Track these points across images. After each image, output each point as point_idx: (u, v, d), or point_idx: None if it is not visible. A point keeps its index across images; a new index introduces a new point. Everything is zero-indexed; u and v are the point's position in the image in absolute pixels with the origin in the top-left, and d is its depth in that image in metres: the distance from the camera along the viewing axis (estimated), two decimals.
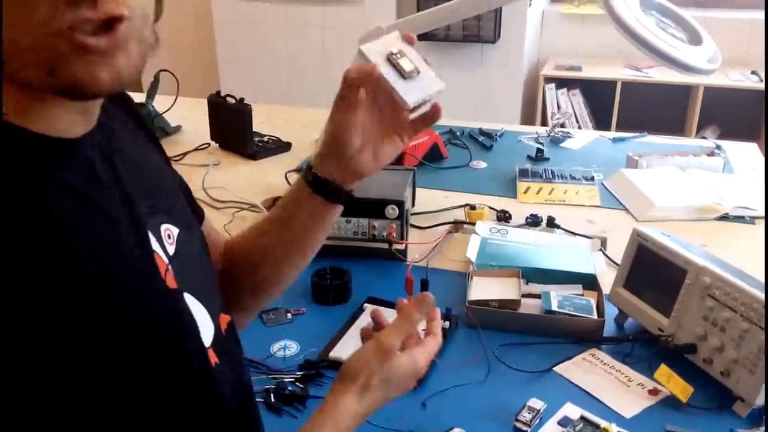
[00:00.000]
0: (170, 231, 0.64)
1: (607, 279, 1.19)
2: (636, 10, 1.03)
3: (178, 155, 1.88)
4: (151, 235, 0.59)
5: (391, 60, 0.71)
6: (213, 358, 0.62)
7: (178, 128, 2.07)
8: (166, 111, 2.01)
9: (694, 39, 1.12)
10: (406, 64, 0.72)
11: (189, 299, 0.62)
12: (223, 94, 1.91)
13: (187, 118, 2.09)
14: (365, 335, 0.77)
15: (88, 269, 0.49)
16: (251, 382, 0.75)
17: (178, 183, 0.78)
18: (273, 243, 0.81)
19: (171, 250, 0.62)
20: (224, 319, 0.69)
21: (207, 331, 0.63)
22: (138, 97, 2.02)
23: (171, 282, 0.59)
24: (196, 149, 1.94)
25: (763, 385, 0.91)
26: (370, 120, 0.74)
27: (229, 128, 1.92)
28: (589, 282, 1.21)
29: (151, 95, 1.99)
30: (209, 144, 1.96)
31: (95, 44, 0.47)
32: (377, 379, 0.70)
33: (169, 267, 0.60)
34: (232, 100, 1.88)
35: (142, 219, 0.59)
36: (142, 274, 0.56)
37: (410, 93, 0.70)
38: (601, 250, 1.38)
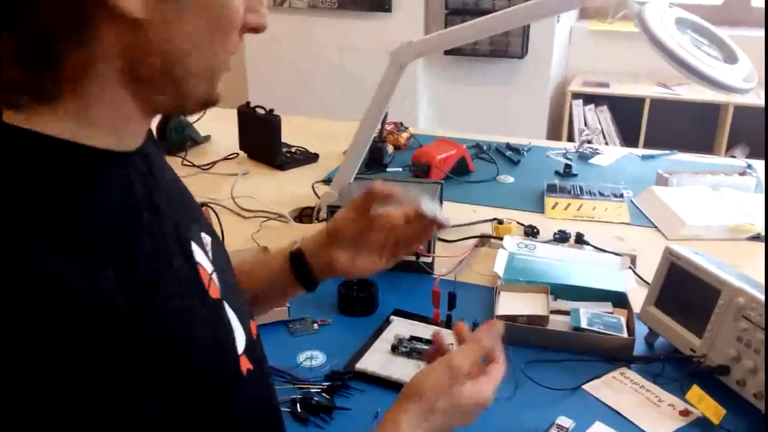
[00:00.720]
0: (206, 239, 0.64)
1: (637, 297, 1.18)
2: (671, 28, 1.03)
3: (207, 164, 1.91)
4: (194, 245, 0.60)
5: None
6: (246, 365, 0.62)
7: (207, 138, 2.10)
8: (196, 121, 2.04)
9: (730, 58, 1.11)
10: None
11: (227, 309, 0.62)
12: (252, 105, 1.93)
13: (216, 128, 2.11)
14: (429, 358, 0.73)
15: (136, 282, 0.49)
16: (275, 390, 0.75)
17: None
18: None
19: (210, 257, 0.63)
20: (253, 324, 0.70)
21: (240, 338, 0.63)
22: None
23: (214, 292, 0.60)
24: (225, 159, 1.96)
25: None
26: (364, 230, 0.81)
27: (258, 139, 1.94)
28: (619, 300, 1.19)
29: None
30: (238, 154, 1.98)
31: None
32: (444, 403, 0.66)
33: (213, 276, 0.60)
34: (262, 111, 1.90)
35: (183, 230, 0.59)
36: (187, 286, 0.56)
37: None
38: (630, 267, 1.37)
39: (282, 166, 1.90)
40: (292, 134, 2.03)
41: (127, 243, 0.51)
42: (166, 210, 0.57)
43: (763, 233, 1.50)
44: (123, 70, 0.50)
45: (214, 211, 1.37)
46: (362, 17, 3.45)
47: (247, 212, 1.62)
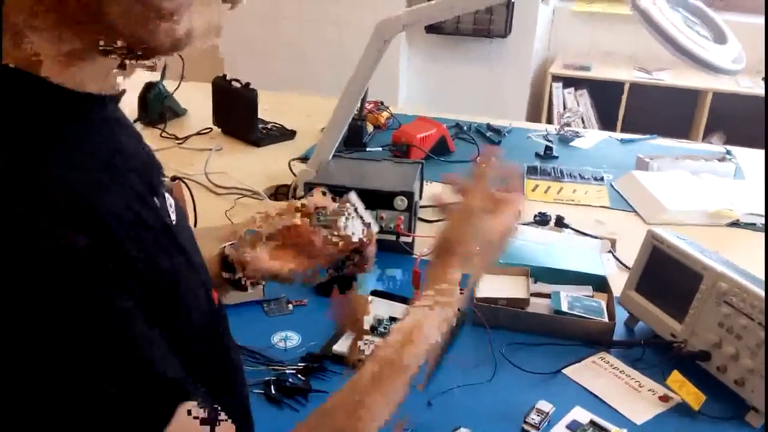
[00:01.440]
0: (170, 201, 0.64)
1: (617, 281, 1.17)
2: (663, 5, 1.00)
3: (180, 139, 1.85)
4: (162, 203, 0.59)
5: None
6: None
7: (184, 111, 2.04)
8: (175, 90, 1.98)
9: (719, 38, 1.09)
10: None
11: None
12: (228, 78, 1.88)
13: (191, 101, 2.05)
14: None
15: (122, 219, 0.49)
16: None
17: None
18: None
19: (174, 218, 0.62)
20: (215, 294, 0.68)
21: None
22: (148, 77, 1.98)
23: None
24: (198, 133, 1.90)
25: None
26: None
27: (233, 113, 1.89)
28: (600, 284, 1.18)
29: (163, 74, 1.95)
30: (212, 129, 1.93)
31: None
32: (476, 245, 0.71)
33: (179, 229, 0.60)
34: (238, 85, 1.85)
35: (156, 186, 0.59)
36: (161, 234, 0.55)
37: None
38: (610, 251, 1.36)
39: (257, 143, 1.85)
40: (269, 110, 1.98)
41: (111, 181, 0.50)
42: (136, 159, 0.57)
43: (743, 220, 1.50)
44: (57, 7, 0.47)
45: (188, 186, 1.33)
46: None
47: (221, 189, 1.57)
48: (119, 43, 0.49)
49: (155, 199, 0.57)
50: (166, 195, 0.62)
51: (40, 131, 0.47)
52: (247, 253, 0.82)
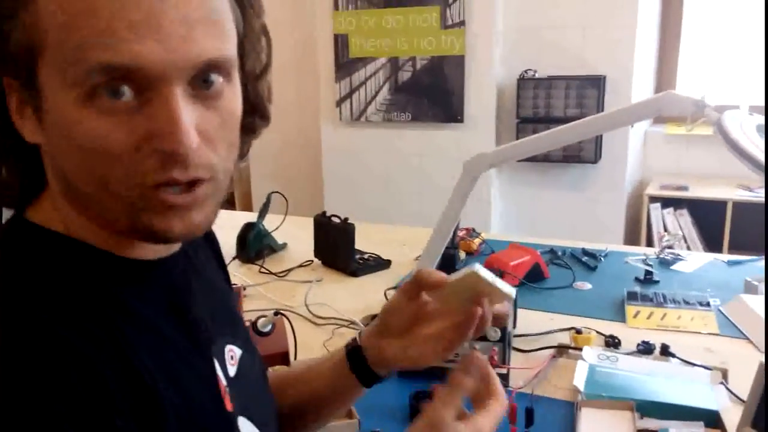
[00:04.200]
0: (233, 352, 0.65)
1: (732, 416, 1.09)
2: (752, 135, 1.01)
3: (283, 271, 1.95)
4: (213, 358, 0.62)
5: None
6: None
7: (284, 245, 2.16)
8: (274, 230, 2.11)
9: None
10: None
11: (244, 423, 0.62)
12: (328, 213, 1.99)
13: (293, 236, 2.18)
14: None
15: (150, 385, 0.52)
16: None
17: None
18: (297, 401, 0.81)
19: (232, 371, 0.63)
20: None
21: None
22: (250, 217, 2.13)
23: (228, 404, 0.60)
24: (300, 266, 2.00)
25: None
26: (414, 318, 0.74)
27: (332, 246, 1.98)
28: (712, 419, 1.11)
29: (262, 215, 2.10)
30: (312, 261, 2.02)
31: (179, 202, 0.50)
32: None
33: (227, 390, 0.61)
34: (337, 220, 1.95)
35: (208, 341, 0.62)
36: (201, 396, 0.58)
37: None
38: (722, 383, 1.27)
39: (355, 273, 1.92)
40: (365, 241, 2.06)
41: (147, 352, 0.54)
42: (195, 317, 0.61)
43: None
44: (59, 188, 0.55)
45: (288, 319, 1.39)
46: (436, 128, 3.56)
47: (320, 319, 1.63)
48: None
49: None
50: (228, 348, 0.65)
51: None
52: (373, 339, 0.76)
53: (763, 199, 3.21)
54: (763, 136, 1.04)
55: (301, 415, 0.80)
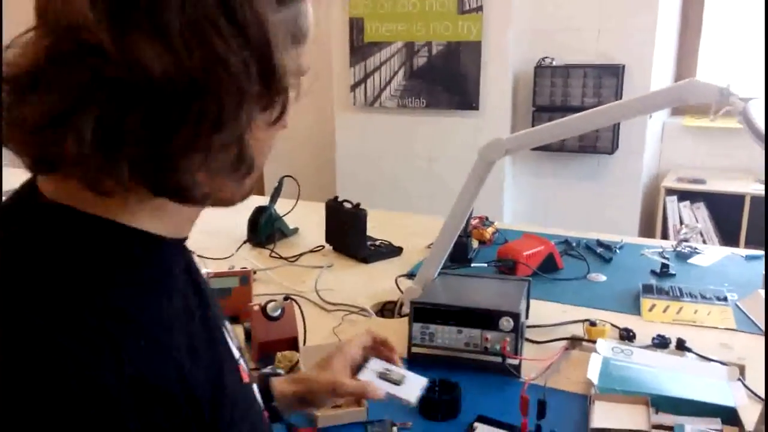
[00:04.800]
0: (228, 326, 0.68)
1: (750, 414, 1.06)
2: None
3: (293, 256, 1.93)
4: (225, 331, 0.64)
5: (384, 377, 0.96)
6: None
7: (295, 230, 2.14)
8: (286, 214, 2.09)
9: None
10: (395, 376, 0.97)
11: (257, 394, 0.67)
12: (339, 199, 1.97)
13: (304, 221, 2.16)
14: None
15: (177, 359, 0.51)
16: None
17: None
18: None
19: (235, 345, 0.66)
20: (265, 414, 0.72)
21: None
22: (261, 201, 2.12)
23: (245, 376, 0.63)
24: (311, 251, 1.98)
25: None
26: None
27: (343, 232, 1.96)
28: (729, 416, 1.08)
29: (273, 199, 2.08)
30: (323, 246, 2.00)
31: None
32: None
33: (241, 361, 0.64)
34: (349, 205, 1.93)
35: (220, 316, 0.64)
36: (226, 369, 0.59)
37: (409, 393, 0.95)
38: (739, 379, 1.25)
39: (366, 259, 1.90)
40: (377, 228, 2.04)
41: (183, 330, 0.54)
42: (207, 294, 0.62)
43: None
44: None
45: (298, 304, 1.37)
46: (450, 115, 3.52)
47: (329, 305, 1.61)
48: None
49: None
50: (229, 327, 0.67)
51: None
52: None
53: None
54: None
55: None
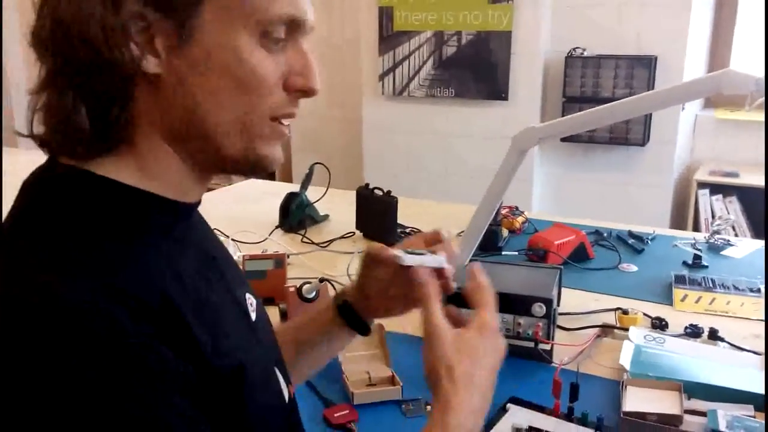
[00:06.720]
0: (251, 300, 0.70)
1: None
2: None
3: (325, 242, 1.96)
4: (246, 301, 0.67)
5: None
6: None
7: (326, 217, 2.17)
8: (317, 201, 2.12)
9: None
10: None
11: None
12: (370, 187, 1.99)
13: (334, 207, 2.19)
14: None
15: (196, 331, 0.54)
16: None
17: None
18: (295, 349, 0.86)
19: (253, 317, 0.68)
20: (291, 389, 0.73)
21: (285, 396, 0.69)
22: (291, 187, 2.14)
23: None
24: (342, 237, 2.01)
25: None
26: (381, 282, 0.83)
27: (374, 219, 1.98)
28: (761, 403, 1.08)
29: (304, 185, 2.11)
30: (354, 233, 2.03)
31: (286, 134, 0.59)
32: (455, 367, 0.65)
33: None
34: (380, 193, 1.95)
35: (235, 286, 0.67)
36: (245, 339, 0.62)
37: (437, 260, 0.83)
38: None
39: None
40: (407, 216, 2.06)
41: (193, 290, 0.57)
42: (221, 263, 0.65)
43: None
44: (161, 127, 0.56)
45: (333, 286, 1.39)
46: (479, 105, 3.51)
47: None
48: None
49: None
50: (248, 295, 0.69)
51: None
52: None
53: None
54: None
55: (296, 361, 0.86)
